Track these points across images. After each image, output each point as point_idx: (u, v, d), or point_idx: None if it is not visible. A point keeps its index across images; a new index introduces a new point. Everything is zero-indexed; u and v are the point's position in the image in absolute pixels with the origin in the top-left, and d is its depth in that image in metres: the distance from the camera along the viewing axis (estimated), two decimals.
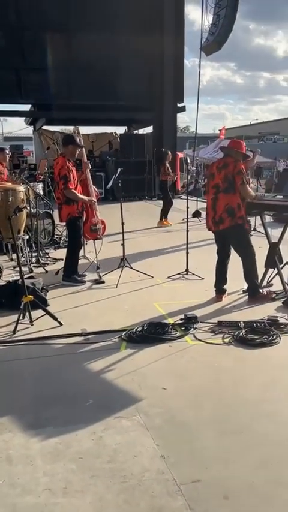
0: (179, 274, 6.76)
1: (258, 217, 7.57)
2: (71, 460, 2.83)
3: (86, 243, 7.50)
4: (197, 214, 11.81)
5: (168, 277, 6.69)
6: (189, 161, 9.64)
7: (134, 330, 4.64)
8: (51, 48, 17.63)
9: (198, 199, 13.99)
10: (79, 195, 6.34)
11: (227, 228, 5.56)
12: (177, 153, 19.27)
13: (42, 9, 17.18)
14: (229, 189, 5.48)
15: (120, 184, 6.78)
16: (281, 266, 5.99)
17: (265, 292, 5.75)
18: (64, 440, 3.01)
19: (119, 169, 6.89)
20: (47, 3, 17.30)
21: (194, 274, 6.68)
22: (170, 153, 12.32)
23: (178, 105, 19.17)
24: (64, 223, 6.80)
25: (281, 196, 5.93)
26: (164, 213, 11.62)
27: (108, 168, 17.04)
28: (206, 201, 6.62)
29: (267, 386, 3.68)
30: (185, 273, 6.77)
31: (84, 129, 27.27)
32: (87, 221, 6.73)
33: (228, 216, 5.49)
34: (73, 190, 6.22)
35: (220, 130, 26.86)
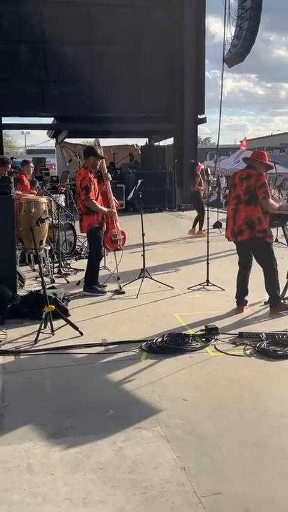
0: (199, 285, 6.74)
1: (280, 228, 7.51)
2: (91, 470, 2.83)
3: (107, 254, 7.54)
4: (217, 225, 11.78)
5: (188, 288, 6.68)
6: (209, 172, 9.65)
7: (155, 341, 4.64)
8: (73, 61, 17.93)
9: (219, 210, 13.96)
10: (100, 206, 6.40)
11: (245, 240, 5.54)
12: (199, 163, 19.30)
13: (65, 23, 17.50)
14: (250, 201, 5.45)
15: (140, 196, 6.82)
16: None
17: (287, 303, 5.69)
18: (84, 450, 3.02)
19: (139, 181, 6.94)
20: (70, 16, 17.63)
21: (214, 285, 6.66)
22: (200, 163, 12.41)
23: (199, 116, 19.24)
24: (85, 234, 6.85)
25: None
26: (200, 223, 11.63)
27: (129, 180, 17.16)
28: (226, 211, 6.61)
29: (287, 399, 3.64)
30: (206, 284, 6.74)
31: (106, 141, 27.58)
32: (107, 232, 6.78)
33: (247, 228, 5.47)
34: (94, 201, 6.28)
35: (241, 141, 26.83)
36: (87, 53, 18.45)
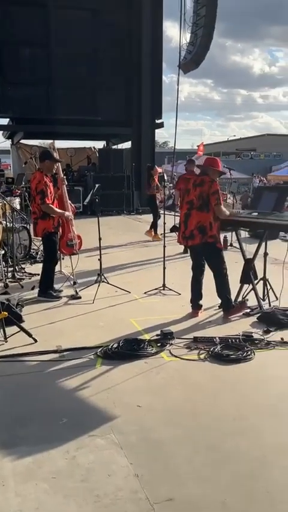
0: (155, 289, 6.78)
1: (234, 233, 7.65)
2: (44, 479, 2.79)
3: (63, 258, 7.48)
4: (174, 229, 11.84)
5: (145, 293, 6.70)
6: (165, 177, 9.74)
7: (110, 347, 4.63)
8: (30, 62, 17.72)
9: (176, 214, 14.08)
10: (56, 209, 6.34)
11: (197, 244, 5.63)
12: (156, 167, 19.42)
13: (22, 24, 17.28)
14: (203, 207, 5.55)
15: (97, 200, 6.79)
16: (255, 282, 6.06)
17: (238, 304, 5.82)
18: (37, 459, 2.98)
19: (96, 185, 6.92)
20: (28, 18, 17.43)
21: (170, 289, 6.71)
22: (156, 167, 12.44)
23: (156, 121, 19.36)
24: (40, 238, 6.77)
25: (256, 213, 6.01)
26: (155, 227, 11.68)
27: (87, 183, 17.09)
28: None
29: (240, 403, 3.70)
30: (162, 288, 6.79)
31: (63, 144, 27.36)
32: (63, 236, 6.72)
33: (199, 233, 5.56)
34: (50, 205, 6.21)
35: (198, 146, 27.18)
36: (44, 54, 18.28)
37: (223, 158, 43.06)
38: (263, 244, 6.18)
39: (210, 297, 5.92)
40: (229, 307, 5.73)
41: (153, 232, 11.65)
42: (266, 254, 6.21)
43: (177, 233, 11.11)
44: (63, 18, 17.80)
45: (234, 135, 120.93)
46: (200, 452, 3.06)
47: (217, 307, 5.97)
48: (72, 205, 6.87)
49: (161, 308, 6.07)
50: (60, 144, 25.35)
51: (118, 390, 3.86)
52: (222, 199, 5.83)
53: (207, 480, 2.79)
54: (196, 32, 16.98)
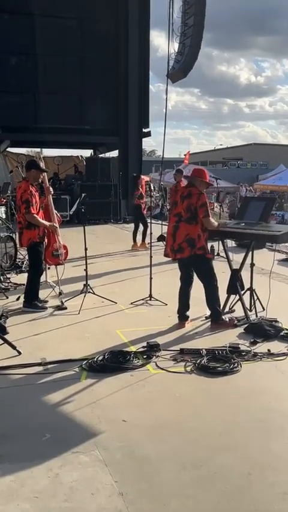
0: (142, 300, 6.72)
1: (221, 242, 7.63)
2: (26, 499, 2.72)
3: (49, 268, 7.40)
4: (161, 238, 11.85)
5: (131, 303, 6.64)
6: (152, 187, 9.74)
7: (95, 359, 4.56)
8: (17, 70, 17.66)
9: (163, 223, 14.07)
10: (41, 220, 6.28)
11: (186, 257, 5.60)
12: (143, 176, 19.43)
13: (9, 32, 17.24)
14: (191, 220, 5.52)
15: (83, 210, 6.74)
16: (242, 292, 6.04)
17: (227, 319, 5.77)
18: (19, 477, 2.90)
19: (82, 195, 6.87)
20: (14, 26, 17.39)
21: (157, 300, 6.66)
22: (143, 176, 12.44)
23: (143, 130, 19.37)
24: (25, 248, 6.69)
25: (243, 224, 6.00)
26: (137, 235, 11.63)
27: (74, 191, 17.02)
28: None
29: (226, 417, 3.65)
30: (149, 298, 6.74)
31: (50, 152, 27.27)
32: (48, 246, 6.65)
33: (188, 246, 5.53)
34: (35, 215, 6.15)
35: (185, 155, 27.33)
36: (31, 63, 18.23)
37: (210, 167, 43.34)
38: (250, 254, 6.17)
39: (197, 307, 5.89)
40: (218, 318, 5.70)
41: (140, 241, 11.60)
42: (252, 264, 6.20)
43: (164, 243, 11.19)
44: (50, 27, 17.75)
45: (221, 144, 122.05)
46: (186, 469, 3.00)
47: (204, 318, 5.93)
48: (58, 215, 6.80)
49: (148, 319, 6.02)
50: (47, 152, 25.32)
51: (103, 404, 3.80)
52: (210, 207, 5.81)
53: (192, 498, 2.73)
54: (184, 42, 17.03)
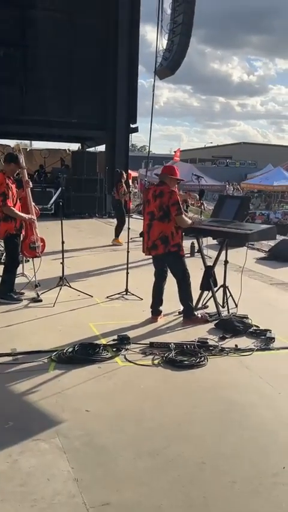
0: (118, 294, 6.80)
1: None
2: None
3: (28, 260, 7.43)
4: (143, 234, 11.88)
5: (107, 297, 6.71)
6: (130, 184, 9.77)
7: (65, 351, 4.62)
8: (5, 62, 17.57)
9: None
10: (18, 212, 6.32)
11: (160, 254, 5.68)
12: (130, 171, 19.48)
13: None
14: (164, 218, 5.60)
15: (61, 203, 6.79)
16: (215, 289, 6.14)
17: (200, 315, 5.87)
18: None
19: (60, 189, 6.92)
20: (3, 18, 17.29)
21: (133, 294, 6.73)
22: (124, 173, 12.40)
23: (131, 125, 19.39)
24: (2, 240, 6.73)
25: (217, 222, 6.09)
26: (117, 232, 11.65)
27: (60, 185, 17.01)
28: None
29: (187, 409, 3.75)
30: (125, 293, 6.81)
31: (37, 145, 27.13)
32: (26, 239, 6.69)
33: (162, 243, 5.62)
34: (12, 207, 6.19)
35: (175, 152, 27.34)
36: (20, 55, 18.15)
37: (199, 165, 43.46)
38: (224, 251, 6.27)
39: (171, 303, 5.98)
40: (190, 314, 5.79)
41: (119, 239, 11.61)
42: (226, 262, 6.29)
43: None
44: (39, 19, 17.69)
45: (211, 142, 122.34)
46: (142, 457, 3.09)
47: (177, 313, 6.02)
48: (36, 207, 6.84)
49: (122, 313, 6.10)
50: (35, 145, 25.21)
51: (68, 395, 3.87)
52: (197, 204, 5.89)
53: (146, 485, 2.83)
54: (173, 39, 17.06)
